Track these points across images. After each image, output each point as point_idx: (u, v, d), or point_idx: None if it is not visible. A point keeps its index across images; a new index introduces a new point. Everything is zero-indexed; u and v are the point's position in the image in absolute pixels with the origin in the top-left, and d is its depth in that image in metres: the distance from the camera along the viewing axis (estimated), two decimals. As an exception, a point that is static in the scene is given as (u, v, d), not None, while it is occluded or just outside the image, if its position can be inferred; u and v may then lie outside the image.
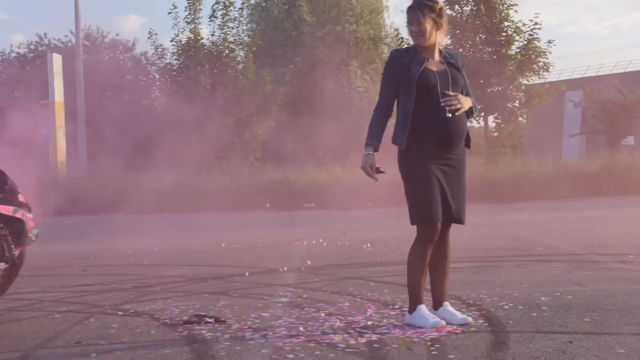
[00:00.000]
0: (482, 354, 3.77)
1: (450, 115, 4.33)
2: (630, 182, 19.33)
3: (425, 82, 4.33)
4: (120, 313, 5.25)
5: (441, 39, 4.50)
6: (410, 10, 4.41)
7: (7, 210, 5.25)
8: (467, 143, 4.55)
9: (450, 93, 4.35)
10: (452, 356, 3.73)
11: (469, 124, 4.75)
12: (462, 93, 4.46)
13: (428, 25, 4.37)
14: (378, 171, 4.46)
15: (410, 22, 4.43)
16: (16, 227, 5.26)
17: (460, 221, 4.50)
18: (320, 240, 10.19)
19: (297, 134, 29.10)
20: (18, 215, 5.30)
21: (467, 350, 3.83)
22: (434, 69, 4.40)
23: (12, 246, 5.19)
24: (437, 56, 4.48)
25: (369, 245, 9.26)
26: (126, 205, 17.38)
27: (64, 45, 36.81)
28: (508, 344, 3.94)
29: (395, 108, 4.54)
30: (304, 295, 5.73)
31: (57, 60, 24.03)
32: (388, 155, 4.98)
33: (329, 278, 6.61)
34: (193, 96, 24.08)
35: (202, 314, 4.97)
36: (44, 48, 37.25)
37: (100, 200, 18.82)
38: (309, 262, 7.67)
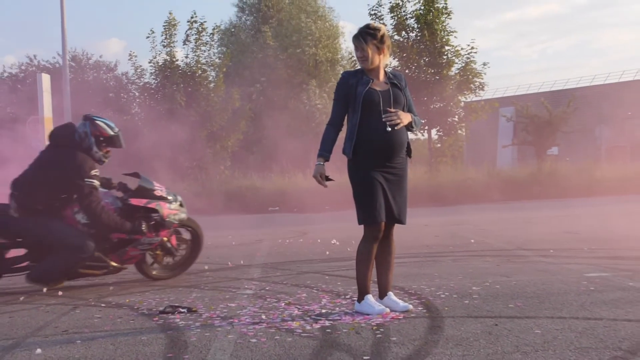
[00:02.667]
0: (420, 336, 3.84)
1: (390, 129, 4.41)
2: (554, 187, 19.60)
3: (370, 100, 4.40)
4: (103, 305, 5.24)
5: (385, 62, 4.58)
6: (355, 38, 4.49)
7: (139, 202, 6.06)
8: (408, 153, 4.62)
9: (392, 110, 4.43)
10: (394, 339, 3.80)
11: (414, 137, 4.85)
12: (404, 110, 4.53)
13: (370, 50, 4.44)
14: (327, 179, 4.53)
15: (355, 49, 4.52)
16: (150, 213, 6.06)
17: (401, 222, 4.57)
18: (283, 239, 10.22)
19: (263, 146, 29.11)
20: (152, 205, 6.07)
21: (407, 334, 3.91)
22: (378, 88, 4.47)
23: (145, 225, 5.96)
24: (382, 77, 4.55)
25: (328, 242, 9.30)
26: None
27: (52, 66, 36.17)
28: (443, 328, 4.03)
29: (345, 123, 4.62)
30: (267, 288, 5.75)
31: (46, 79, 23.58)
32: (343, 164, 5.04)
33: (289, 272, 6.65)
34: (169, 112, 23.92)
35: (176, 305, 4.99)
36: (33, 68, 36.57)
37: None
38: (269, 260, 7.70)
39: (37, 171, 5.87)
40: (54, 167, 5.78)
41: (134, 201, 6.08)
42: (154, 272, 6.48)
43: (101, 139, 5.96)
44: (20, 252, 6.00)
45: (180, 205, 6.39)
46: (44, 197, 5.76)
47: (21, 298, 5.66)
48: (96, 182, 5.80)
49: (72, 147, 5.84)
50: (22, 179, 5.87)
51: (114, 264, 6.07)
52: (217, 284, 6.13)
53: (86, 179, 5.70)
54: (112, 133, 6.01)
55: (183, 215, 6.36)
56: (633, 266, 6.20)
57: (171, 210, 6.21)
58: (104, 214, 5.77)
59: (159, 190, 6.23)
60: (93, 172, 5.77)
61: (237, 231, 12.12)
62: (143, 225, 5.96)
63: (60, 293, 5.84)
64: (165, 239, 6.31)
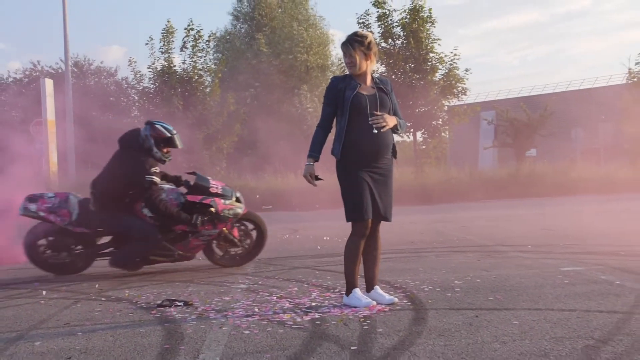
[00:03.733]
0: (404, 327, 3.86)
1: (376, 131, 4.43)
2: (532, 187, 19.66)
3: (357, 104, 4.42)
4: (103, 299, 5.23)
5: (372, 67, 4.60)
6: (344, 45, 4.51)
7: (194, 198, 6.47)
8: (394, 154, 4.63)
9: (378, 113, 4.44)
10: (380, 330, 3.81)
11: (400, 139, 4.86)
12: (389, 113, 4.55)
13: (358, 56, 4.46)
14: (317, 178, 4.54)
15: (344, 55, 4.53)
16: (204, 208, 6.42)
17: (387, 219, 4.58)
18: (275, 236, 10.21)
19: (257, 148, 29.06)
20: (207, 201, 6.45)
21: (393, 325, 3.92)
22: (365, 93, 4.49)
23: (199, 218, 6.35)
24: (369, 82, 4.56)
25: (318, 239, 9.32)
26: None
27: (55, 71, 36.00)
28: (426, 319, 4.05)
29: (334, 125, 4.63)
30: (260, 282, 5.75)
31: (49, 84, 23.54)
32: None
33: (281, 267, 6.65)
34: (167, 115, 23.80)
35: (173, 298, 4.98)
36: (37, 73, 36.37)
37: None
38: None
39: (108, 171, 6.42)
40: (121, 167, 6.30)
41: (190, 197, 6.53)
42: (222, 261, 6.86)
43: (160, 140, 6.38)
44: (107, 239, 6.65)
45: (237, 201, 6.74)
46: (114, 193, 6.28)
47: (44, 292, 5.63)
48: (155, 179, 6.24)
49: (135, 148, 6.34)
50: (98, 178, 6.44)
51: (180, 252, 6.54)
52: (212, 278, 6.13)
53: (146, 176, 6.17)
54: (168, 135, 6.43)
55: (239, 210, 6.70)
56: (605, 261, 6.24)
57: (226, 205, 6.57)
58: (161, 207, 6.22)
59: (215, 188, 6.62)
60: (152, 170, 6.23)
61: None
62: (198, 219, 6.35)
63: (44, 292, 5.83)
64: (225, 231, 6.71)
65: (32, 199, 6.53)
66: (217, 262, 6.85)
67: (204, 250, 6.76)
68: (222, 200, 6.58)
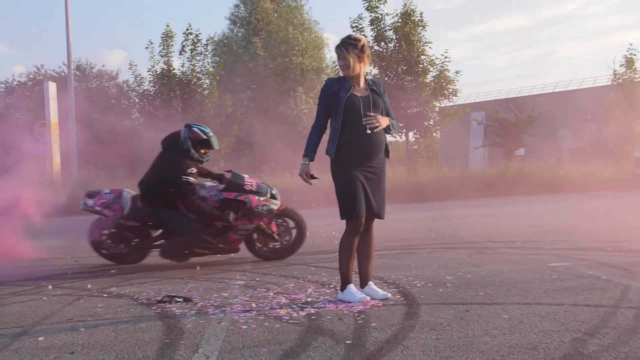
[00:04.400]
0: (397, 322, 3.86)
1: (369, 131, 4.43)
2: (520, 185, 19.67)
3: (351, 105, 4.41)
4: (105, 295, 5.22)
5: (365, 70, 4.60)
6: (338, 47, 4.50)
7: (229, 195, 6.65)
8: (386, 153, 4.63)
9: (371, 114, 4.44)
10: (374, 324, 3.81)
11: (393, 139, 4.87)
12: (382, 114, 4.55)
13: (352, 59, 4.46)
14: (312, 177, 4.54)
15: (338, 57, 4.53)
16: (240, 204, 6.60)
17: (380, 217, 4.58)
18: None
19: (254, 148, 29.02)
20: (241, 198, 6.63)
21: (386, 319, 3.92)
22: (359, 94, 4.48)
23: (231, 214, 6.52)
24: (362, 84, 4.56)
25: (313, 236, 9.29)
26: (111, 208, 17.07)
27: (58, 75, 35.93)
28: (418, 314, 4.05)
29: (328, 126, 4.62)
30: (257, 279, 5.74)
31: (52, 87, 23.51)
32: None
33: (277, 264, 6.63)
34: (167, 117, 23.79)
35: (172, 294, 4.97)
36: (41, 77, 36.28)
37: (89, 203, 18.43)
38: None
39: (152, 171, 6.73)
40: (162, 167, 6.61)
41: (226, 194, 6.70)
42: (262, 254, 6.98)
43: (197, 142, 6.60)
44: (158, 232, 6.91)
45: (272, 197, 6.83)
46: (157, 191, 6.60)
47: (50, 287, 5.62)
48: (191, 179, 6.46)
49: (174, 150, 6.61)
50: (144, 177, 6.78)
51: (221, 245, 6.73)
52: (210, 275, 6.11)
53: (183, 176, 6.39)
54: (205, 137, 6.65)
55: (273, 207, 6.79)
56: (591, 256, 6.25)
57: (260, 202, 6.69)
58: (195, 204, 6.42)
59: (249, 185, 6.77)
60: (189, 170, 6.46)
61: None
62: (229, 214, 6.53)
63: (49, 287, 5.81)
64: (263, 225, 6.82)
65: (90, 195, 6.98)
66: (258, 254, 6.98)
67: (245, 243, 6.91)
68: (257, 197, 6.71)
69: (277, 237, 6.96)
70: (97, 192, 7.03)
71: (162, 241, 6.83)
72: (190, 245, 6.61)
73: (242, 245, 6.92)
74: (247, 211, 6.65)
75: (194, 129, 6.67)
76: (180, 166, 6.42)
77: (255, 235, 6.90)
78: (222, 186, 6.82)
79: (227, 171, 7.07)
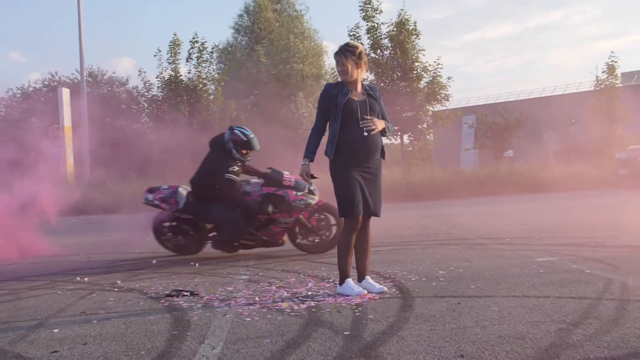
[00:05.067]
0: (393, 313, 3.86)
1: (366, 134, 4.43)
2: (509, 185, 19.67)
3: (349, 109, 4.42)
4: (116, 289, 5.22)
5: (362, 75, 4.60)
6: (336, 54, 4.50)
7: (269, 189, 6.80)
8: (382, 155, 4.63)
9: (368, 117, 4.44)
10: (371, 316, 3.81)
11: (388, 141, 4.86)
12: (378, 117, 4.55)
13: (350, 65, 4.46)
14: (312, 177, 4.54)
15: (336, 63, 4.53)
16: (279, 199, 6.74)
17: (376, 215, 4.58)
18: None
19: (257, 150, 28.94)
20: (279, 192, 6.76)
21: (382, 311, 3.92)
22: (356, 98, 4.48)
23: (270, 207, 6.71)
24: (359, 88, 4.56)
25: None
26: (121, 207, 17.09)
27: (71, 81, 35.87)
28: (413, 306, 4.05)
29: (327, 128, 4.62)
30: (260, 274, 5.74)
31: (66, 93, 23.53)
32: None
33: (280, 260, 6.63)
34: (174, 121, 23.81)
35: (180, 289, 4.97)
36: (55, 83, 36.21)
37: (100, 203, 18.45)
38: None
39: (200, 169, 6.94)
40: (208, 166, 6.85)
41: (265, 189, 6.85)
42: (303, 247, 7.01)
43: (238, 143, 6.83)
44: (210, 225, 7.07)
45: (310, 192, 6.86)
46: (204, 187, 6.82)
47: (73, 284, 5.61)
48: (233, 177, 6.68)
49: (219, 150, 6.85)
50: (194, 175, 7.00)
51: (264, 237, 6.86)
52: (216, 270, 6.11)
53: (225, 174, 6.63)
54: (245, 139, 6.86)
55: (310, 201, 6.82)
56: (576, 252, 6.25)
57: (297, 196, 6.77)
58: (236, 199, 6.65)
59: (288, 181, 6.88)
60: (231, 169, 6.69)
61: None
62: (269, 207, 6.71)
63: (86, 279, 5.82)
64: (303, 219, 6.89)
65: (150, 190, 7.21)
66: (300, 247, 7.01)
67: (288, 236, 6.97)
68: (294, 192, 6.79)
69: (317, 231, 6.97)
70: (156, 187, 7.26)
71: (214, 233, 6.99)
72: (237, 237, 6.77)
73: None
74: (285, 205, 6.75)
75: (236, 131, 6.88)
76: (223, 165, 6.66)
77: (297, 229, 6.96)
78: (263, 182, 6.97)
79: (268, 168, 7.16)
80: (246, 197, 6.78)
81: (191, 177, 7.03)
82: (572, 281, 4.66)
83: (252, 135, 6.94)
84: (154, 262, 6.92)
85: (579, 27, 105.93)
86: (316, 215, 6.98)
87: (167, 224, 7.14)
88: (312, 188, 6.88)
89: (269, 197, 6.78)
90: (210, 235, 7.05)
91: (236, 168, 6.76)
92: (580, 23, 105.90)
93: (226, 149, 6.83)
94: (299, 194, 6.80)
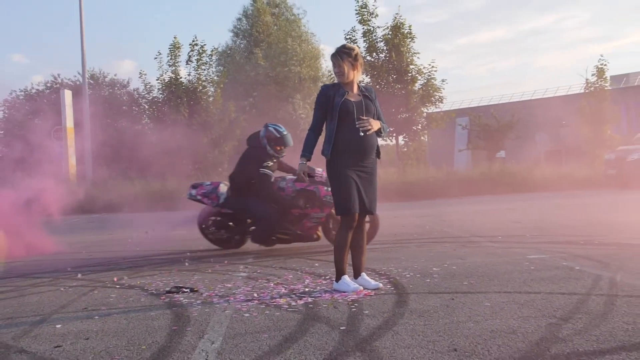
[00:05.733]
0: (388, 309, 3.87)
1: (363, 134, 4.43)
2: (502, 185, 19.68)
3: (345, 109, 4.42)
4: (117, 286, 5.21)
5: (358, 77, 4.60)
6: (333, 56, 4.51)
7: (301, 185, 6.89)
8: (378, 154, 4.64)
9: (364, 118, 4.45)
10: (366, 312, 3.81)
11: (384, 142, 4.87)
12: (374, 118, 4.55)
13: (346, 67, 4.46)
14: (309, 176, 4.55)
15: (333, 65, 4.53)
16: (311, 195, 6.85)
17: (372, 213, 4.59)
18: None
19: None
20: (310, 188, 6.86)
21: (378, 307, 3.93)
22: (352, 99, 4.49)
23: (301, 201, 6.84)
24: (355, 90, 4.57)
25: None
26: (123, 206, 17.08)
27: (73, 83, 35.81)
28: (407, 302, 4.05)
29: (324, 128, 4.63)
30: (258, 271, 5.74)
31: (68, 95, 23.47)
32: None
33: (278, 257, 6.62)
34: (174, 122, 23.77)
35: (180, 285, 4.97)
36: (58, 85, 36.17)
37: (102, 202, 18.44)
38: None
39: (237, 165, 7.08)
40: (244, 162, 6.97)
41: (297, 184, 6.94)
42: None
43: (272, 140, 6.94)
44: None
45: None
46: (241, 183, 6.94)
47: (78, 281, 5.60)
48: (267, 172, 6.81)
49: (254, 147, 6.96)
50: (232, 171, 7.12)
51: (299, 232, 6.96)
52: (215, 267, 6.09)
53: (260, 169, 6.76)
54: (278, 136, 6.96)
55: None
56: (567, 249, 6.27)
57: (328, 192, 6.74)
58: (270, 194, 6.78)
59: (319, 177, 6.89)
60: (265, 164, 6.80)
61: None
62: (300, 202, 6.84)
63: (79, 275, 5.81)
64: (334, 214, 6.80)
65: (194, 186, 7.38)
66: (332, 241, 6.92)
67: (323, 230, 7.04)
68: (325, 187, 6.82)
69: None
70: (200, 183, 7.40)
71: (253, 228, 7.08)
72: (272, 232, 6.88)
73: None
74: (317, 200, 6.84)
75: (270, 128, 6.99)
76: (258, 161, 6.78)
77: (331, 224, 7.02)
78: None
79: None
80: (280, 193, 6.88)
81: (230, 173, 7.18)
82: (563, 278, 4.67)
83: (285, 132, 7.05)
84: (187, 263, 6.91)
85: (570, 31, 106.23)
86: None
87: (212, 218, 7.30)
88: None
89: (302, 193, 6.88)
90: (250, 229, 7.13)
91: (270, 163, 6.88)
92: (571, 27, 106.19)
93: (261, 146, 6.94)
94: (329, 189, 6.77)
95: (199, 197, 7.21)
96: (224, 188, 7.19)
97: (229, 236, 7.33)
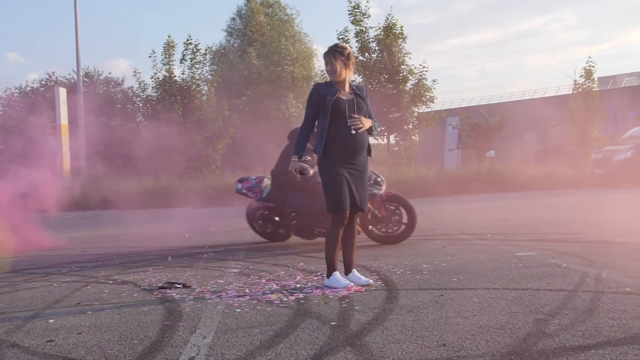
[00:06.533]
0: (378, 305, 3.87)
1: (354, 132, 4.43)
2: (491, 184, 19.70)
3: (337, 108, 4.42)
4: (110, 282, 5.19)
5: (350, 76, 4.60)
6: (326, 54, 4.50)
7: None
8: (369, 152, 4.64)
9: (355, 116, 4.45)
10: (357, 307, 3.81)
11: (375, 141, 4.88)
12: (365, 116, 4.56)
13: (339, 65, 4.46)
14: (301, 173, 4.54)
15: (326, 63, 4.52)
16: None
17: (363, 210, 4.59)
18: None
19: (248, 149, 28.92)
20: None
21: (368, 303, 3.93)
22: (344, 98, 4.48)
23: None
24: (347, 88, 4.57)
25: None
26: (117, 203, 17.02)
27: (68, 81, 35.60)
28: (398, 298, 4.06)
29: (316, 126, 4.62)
30: (251, 267, 5.73)
31: (62, 92, 23.33)
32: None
33: (269, 254, 6.62)
34: (168, 120, 23.65)
35: (173, 281, 4.96)
36: (52, 83, 35.93)
37: (96, 199, 18.38)
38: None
39: (278, 160, 7.17)
40: (284, 157, 7.01)
41: None
42: (375, 237, 6.96)
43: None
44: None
45: (376, 184, 6.85)
46: (281, 177, 6.96)
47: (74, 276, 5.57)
48: (305, 166, 6.56)
49: (294, 142, 6.89)
50: (274, 167, 7.21)
51: None
52: (208, 263, 6.09)
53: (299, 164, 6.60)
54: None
55: (375, 192, 6.81)
56: (554, 247, 6.29)
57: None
58: (308, 188, 6.80)
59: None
60: (303, 159, 6.78)
61: (226, 220, 12.04)
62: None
63: (96, 273, 5.78)
64: (372, 209, 6.85)
65: (240, 180, 7.47)
66: (372, 237, 6.98)
67: (361, 226, 6.91)
68: (382, 185, 6.83)
69: (387, 221, 6.94)
70: (245, 178, 7.51)
71: (295, 221, 7.14)
72: (312, 225, 6.96)
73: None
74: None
75: None
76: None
77: (369, 218, 6.95)
78: None
79: None
80: (317, 187, 6.79)
81: (272, 168, 7.26)
82: (550, 274, 4.69)
83: None
84: (170, 259, 6.89)
85: (558, 33, 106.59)
86: (386, 205, 6.97)
87: (259, 212, 7.42)
88: (378, 179, 6.92)
89: None
90: (292, 223, 7.20)
91: (309, 158, 6.80)
92: (560, 30, 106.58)
93: None
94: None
95: (244, 191, 7.33)
96: (267, 182, 7.29)
97: (274, 229, 7.44)
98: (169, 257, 6.59)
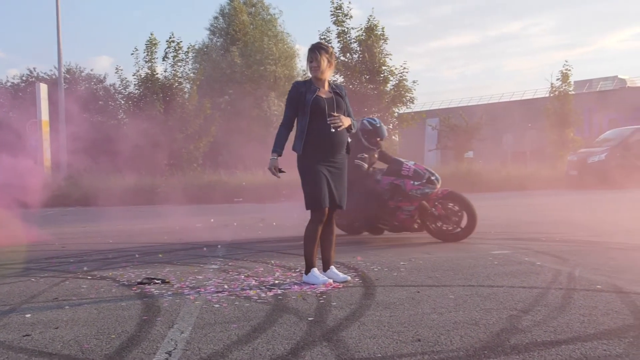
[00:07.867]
0: (355, 301, 3.88)
1: (334, 130, 4.44)
2: (469, 184, 19.81)
3: (316, 106, 4.41)
4: (89, 277, 5.13)
5: (330, 74, 4.61)
6: (311, 50, 4.50)
7: (388, 179, 7.00)
8: (348, 150, 4.65)
9: (335, 114, 4.45)
10: (334, 303, 3.82)
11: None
12: (344, 114, 4.56)
13: (323, 61, 4.47)
14: (280, 171, 4.53)
15: (309, 59, 4.51)
16: (398, 188, 6.90)
17: (341, 207, 4.59)
18: (245, 224, 10.15)
19: (230, 147, 28.78)
20: (397, 182, 6.94)
21: (345, 299, 3.94)
22: (324, 96, 4.48)
23: (388, 195, 6.96)
24: (326, 87, 4.57)
25: (282, 226, 9.29)
26: (97, 200, 16.86)
27: (49, 77, 35.16)
28: (374, 294, 4.07)
29: (295, 124, 4.61)
30: (230, 263, 5.71)
31: (43, 88, 23.03)
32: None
33: (249, 251, 6.60)
34: (150, 118, 23.45)
35: (152, 277, 4.91)
36: (33, 79, 35.44)
37: (76, 196, 18.18)
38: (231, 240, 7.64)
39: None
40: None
41: (385, 178, 7.05)
42: (435, 234, 7.01)
43: (365, 132, 7.11)
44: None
45: (429, 182, 6.89)
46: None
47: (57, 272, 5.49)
48: (361, 163, 7.00)
49: (352, 140, 6.81)
50: None
51: (395, 223, 7.03)
52: (187, 260, 6.05)
53: (355, 160, 6.88)
54: (370, 128, 7.13)
55: (427, 190, 6.87)
56: (529, 245, 6.36)
57: (414, 186, 6.85)
58: (363, 184, 6.93)
59: (406, 170, 6.97)
60: (359, 156, 6.97)
61: (207, 217, 11.99)
62: (387, 195, 6.94)
63: (74, 268, 5.71)
64: (427, 207, 6.93)
65: None
66: (432, 234, 7.03)
67: (422, 222, 7.01)
68: (411, 181, 6.88)
69: (444, 219, 6.92)
70: None
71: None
72: (368, 221, 7.13)
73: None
74: (403, 194, 6.88)
75: (364, 121, 7.18)
76: (354, 152, 6.58)
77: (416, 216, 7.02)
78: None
79: (393, 158, 7.30)
80: (376, 185, 6.99)
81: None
82: (524, 272, 4.74)
83: (378, 124, 7.15)
84: (137, 255, 6.83)
85: (536, 37, 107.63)
86: (442, 203, 6.94)
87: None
88: (432, 178, 6.92)
89: (391, 186, 6.95)
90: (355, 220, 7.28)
91: (365, 155, 7.02)
92: (538, 34, 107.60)
93: (358, 138, 7.03)
94: (416, 183, 6.88)
95: None
96: None
97: (348, 223, 7.53)
98: (136, 254, 6.52)
